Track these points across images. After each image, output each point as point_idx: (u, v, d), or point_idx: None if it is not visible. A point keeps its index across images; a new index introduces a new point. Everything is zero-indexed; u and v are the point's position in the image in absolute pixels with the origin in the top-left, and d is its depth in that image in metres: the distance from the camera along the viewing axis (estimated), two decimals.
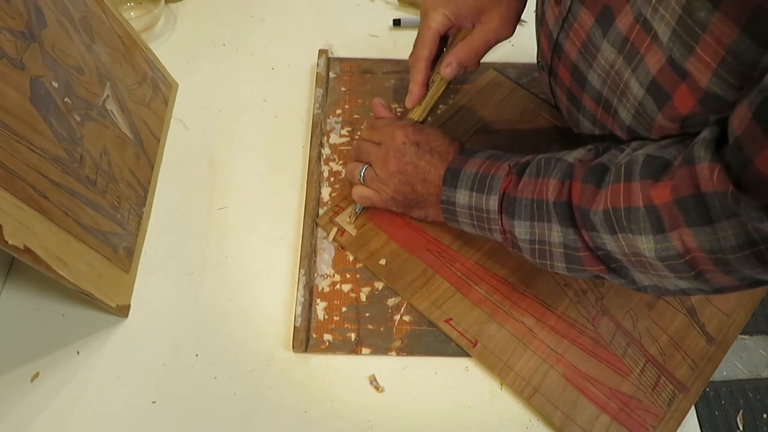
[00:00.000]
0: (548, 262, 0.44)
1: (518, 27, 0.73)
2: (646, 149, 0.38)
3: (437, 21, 0.52)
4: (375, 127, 0.54)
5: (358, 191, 0.54)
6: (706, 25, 0.32)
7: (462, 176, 0.47)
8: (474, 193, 0.46)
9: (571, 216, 0.41)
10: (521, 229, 0.44)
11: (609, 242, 0.38)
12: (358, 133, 0.63)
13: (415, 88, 0.54)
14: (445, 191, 0.48)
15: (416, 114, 0.55)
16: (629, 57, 0.40)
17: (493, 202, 0.45)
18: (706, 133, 0.34)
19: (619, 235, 0.37)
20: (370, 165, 0.53)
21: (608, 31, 0.41)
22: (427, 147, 0.50)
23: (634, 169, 0.37)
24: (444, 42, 0.55)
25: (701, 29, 0.33)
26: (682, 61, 0.35)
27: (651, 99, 0.39)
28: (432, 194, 0.50)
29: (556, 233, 0.42)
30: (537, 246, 0.44)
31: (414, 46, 0.53)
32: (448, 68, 0.52)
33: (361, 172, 0.53)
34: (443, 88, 0.54)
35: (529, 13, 0.74)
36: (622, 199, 0.37)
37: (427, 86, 0.54)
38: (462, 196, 0.47)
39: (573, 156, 0.43)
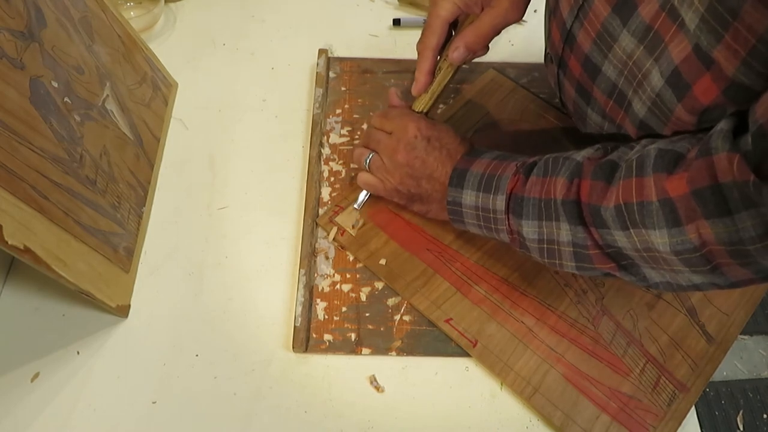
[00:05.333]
0: (557, 261, 0.44)
1: (517, 27, 0.73)
2: (658, 144, 0.38)
3: (446, 9, 0.51)
4: (388, 115, 0.54)
5: (363, 177, 0.54)
6: (738, 12, 0.32)
7: (468, 177, 0.47)
8: (481, 193, 0.46)
9: (580, 214, 0.40)
10: (529, 229, 0.44)
11: (620, 239, 0.38)
12: (359, 132, 0.63)
13: (421, 75, 0.53)
14: (451, 192, 0.48)
15: (422, 102, 0.54)
16: (651, 46, 0.39)
17: (500, 203, 0.45)
18: (722, 125, 0.34)
19: (632, 230, 0.37)
20: (378, 153, 0.53)
21: (629, 19, 0.40)
22: (437, 143, 0.50)
23: (646, 163, 0.36)
24: (453, 31, 0.54)
25: (732, 16, 0.32)
26: (710, 50, 0.35)
27: (670, 90, 0.39)
28: (436, 191, 0.50)
29: (564, 232, 0.41)
30: (546, 245, 0.43)
31: (422, 35, 0.53)
32: (455, 52, 0.51)
33: (367, 159, 0.53)
34: (450, 75, 0.54)
35: (530, 14, 0.74)
36: (634, 193, 0.36)
37: (433, 74, 0.54)
38: (468, 197, 0.47)
39: (581, 155, 0.43)
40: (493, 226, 0.47)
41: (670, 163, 0.35)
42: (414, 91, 0.54)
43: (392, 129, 0.52)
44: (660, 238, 0.35)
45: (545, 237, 0.43)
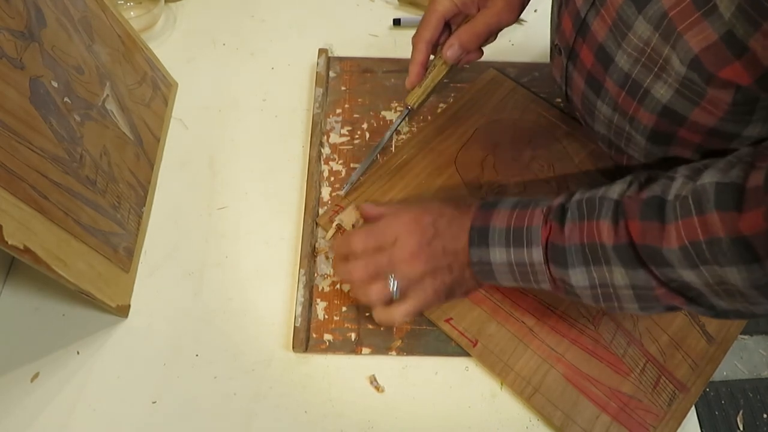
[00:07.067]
0: (616, 305, 0.41)
1: (517, 27, 0.73)
2: (709, 176, 0.36)
3: (443, 5, 0.52)
4: (374, 232, 0.48)
5: (402, 311, 0.45)
6: None
7: (492, 233, 0.44)
8: (512, 249, 0.43)
9: (637, 257, 0.38)
10: (578, 277, 0.41)
11: (687, 275, 0.37)
12: (358, 132, 0.63)
13: (413, 67, 0.53)
14: (475, 252, 0.44)
15: (414, 95, 0.55)
16: (666, 34, 0.39)
17: (537, 254, 0.42)
18: None
19: (702, 268, 0.35)
20: (396, 273, 0.45)
21: (645, 6, 0.39)
22: (442, 221, 0.46)
23: (704, 200, 0.35)
24: (448, 30, 0.55)
25: None
26: (746, 38, 0.34)
27: (696, 74, 0.38)
28: (468, 263, 0.46)
29: (619, 276, 0.39)
30: (599, 290, 0.41)
31: (418, 28, 0.53)
32: (450, 50, 0.52)
33: (394, 287, 0.45)
34: (444, 72, 0.55)
35: (530, 13, 0.74)
36: (700, 232, 0.35)
37: (426, 68, 0.54)
38: (498, 254, 0.44)
39: (616, 192, 0.41)
40: (531, 278, 0.44)
41: (734, 198, 0.34)
42: (407, 84, 0.55)
43: (393, 237, 0.46)
44: (738, 274, 0.34)
45: (597, 282, 0.41)
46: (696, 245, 0.35)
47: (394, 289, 0.45)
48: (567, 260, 0.41)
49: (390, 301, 0.46)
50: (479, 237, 0.45)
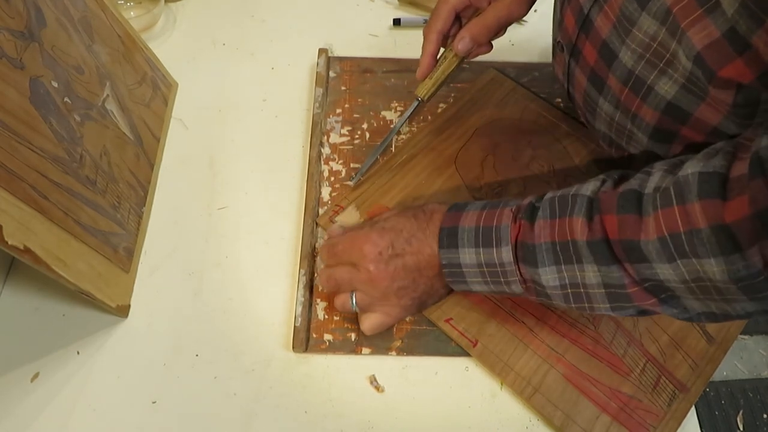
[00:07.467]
0: (586, 305, 0.41)
1: (517, 27, 0.73)
2: (691, 167, 0.35)
3: None
4: (336, 250, 0.49)
5: (369, 324, 0.48)
6: None
7: (461, 234, 0.44)
8: (480, 249, 0.43)
9: (611, 252, 0.38)
10: (548, 276, 0.41)
11: (664, 271, 0.36)
12: (359, 132, 0.63)
13: (424, 59, 0.54)
14: (445, 254, 0.45)
15: (425, 87, 0.56)
16: (673, 29, 0.39)
17: (507, 254, 0.42)
18: (766, 141, 0.32)
19: (679, 261, 0.35)
20: (357, 291, 0.48)
21: (648, 3, 0.39)
22: (401, 240, 0.47)
23: (687, 190, 0.34)
24: (459, 23, 0.55)
25: None
26: (748, 35, 0.34)
27: (699, 71, 0.38)
28: (436, 275, 0.47)
29: (591, 274, 0.39)
30: (570, 290, 0.41)
31: (429, 19, 0.54)
32: (460, 43, 0.52)
33: (353, 303, 0.48)
34: (454, 65, 0.55)
35: (530, 13, 0.74)
36: (680, 223, 0.34)
37: (436, 58, 0.55)
38: (467, 255, 0.44)
39: (589, 190, 0.41)
40: (502, 279, 0.44)
41: (719, 187, 0.34)
42: (418, 74, 0.55)
43: (351, 259, 0.48)
44: (716, 266, 0.33)
45: (567, 281, 0.40)
46: (675, 236, 0.35)
47: (354, 305, 0.48)
48: (537, 259, 0.41)
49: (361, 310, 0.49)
50: (449, 238, 0.45)
